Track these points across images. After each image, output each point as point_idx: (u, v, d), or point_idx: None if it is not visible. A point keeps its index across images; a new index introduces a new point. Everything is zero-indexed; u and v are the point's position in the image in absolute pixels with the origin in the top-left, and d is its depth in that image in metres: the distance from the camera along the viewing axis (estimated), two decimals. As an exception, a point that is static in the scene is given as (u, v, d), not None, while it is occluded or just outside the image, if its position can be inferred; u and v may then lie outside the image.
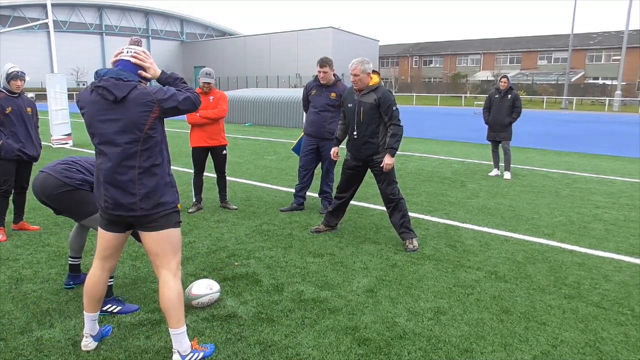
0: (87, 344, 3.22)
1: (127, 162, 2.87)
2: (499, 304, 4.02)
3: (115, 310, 3.73)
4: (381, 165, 5.35)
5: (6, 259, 4.88)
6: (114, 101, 2.80)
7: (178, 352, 3.01)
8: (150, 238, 3.00)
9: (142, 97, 2.81)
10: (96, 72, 2.90)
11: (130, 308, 3.80)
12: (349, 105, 5.55)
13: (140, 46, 3.05)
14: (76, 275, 4.20)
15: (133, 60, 2.93)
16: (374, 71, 5.42)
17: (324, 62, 6.55)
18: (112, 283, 3.82)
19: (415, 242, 5.42)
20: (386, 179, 5.48)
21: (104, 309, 3.68)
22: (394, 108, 5.30)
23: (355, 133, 5.48)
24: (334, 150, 5.92)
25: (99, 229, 3.11)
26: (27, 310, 3.80)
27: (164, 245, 3.00)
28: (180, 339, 3.02)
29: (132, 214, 2.93)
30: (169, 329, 3.03)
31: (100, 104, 2.84)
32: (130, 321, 3.63)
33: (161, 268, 3.03)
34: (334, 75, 6.68)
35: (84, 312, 3.19)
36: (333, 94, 6.59)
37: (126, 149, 2.85)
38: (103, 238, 3.10)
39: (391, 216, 5.60)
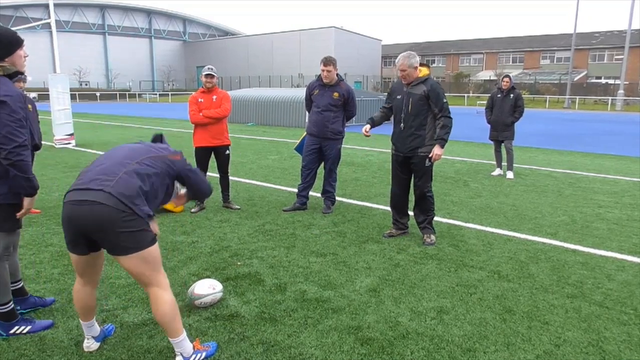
0: (89, 345, 3.21)
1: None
2: (501, 304, 4.02)
3: (25, 331, 3.42)
4: (430, 156, 5.37)
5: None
6: None
7: (181, 354, 3.00)
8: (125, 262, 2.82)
9: None
10: None
11: (42, 325, 3.52)
12: (398, 97, 5.54)
13: None
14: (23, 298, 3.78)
15: None
16: (422, 64, 5.45)
17: (328, 61, 6.54)
18: (11, 307, 3.42)
19: (433, 237, 5.57)
20: (424, 175, 5.55)
21: (11, 332, 3.39)
22: (444, 100, 5.33)
23: (402, 125, 5.49)
24: (365, 127, 5.76)
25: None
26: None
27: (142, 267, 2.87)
28: (181, 346, 2.99)
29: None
30: (169, 338, 3.00)
31: None
32: (133, 321, 3.63)
33: (147, 286, 2.91)
34: (337, 75, 6.68)
35: (81, 321, 3.20)
36: (336, 94, 6.59)
37: None
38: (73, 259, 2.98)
39: (418, 210, 5.71)
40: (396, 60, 5.42)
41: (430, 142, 5.42)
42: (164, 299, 2.90)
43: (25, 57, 3.26)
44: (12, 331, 3.40)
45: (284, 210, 6.92)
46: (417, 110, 5.38)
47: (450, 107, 5.42)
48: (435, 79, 5.46)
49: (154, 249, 2.86)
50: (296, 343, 3.36)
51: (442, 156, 5.87)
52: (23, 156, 3.01)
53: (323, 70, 6.56)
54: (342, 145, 6.99)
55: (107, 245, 2.79)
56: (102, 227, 2.69)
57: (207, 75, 6.62)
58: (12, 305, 3.44)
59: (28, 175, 3.08)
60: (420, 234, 5.72)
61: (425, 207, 5.68)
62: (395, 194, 5.86)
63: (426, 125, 5.41)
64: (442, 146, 5.35)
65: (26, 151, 3.04)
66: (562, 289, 4.33)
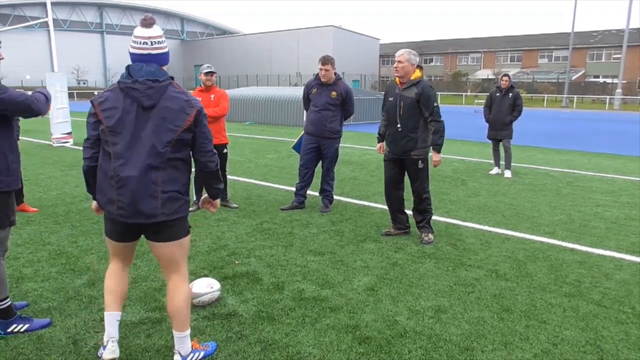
0: (114, 349, 2.95)
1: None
2: (499, 303, 4.02)
3: (22, 330, 3.40)
4: (423, 158, 5.46)
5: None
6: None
7: (179, 353, 3.00)
8: (165, 248, 2.90)
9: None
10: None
11: (40, 324, 3.49)
12: (390, 99, 5.55)
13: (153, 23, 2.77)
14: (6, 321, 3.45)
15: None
16: (418, 66, 5.43)
17: (326, 60, 6.54)
18: (9, 303, 3.41)
19: (430, 236, 5.58)
20: (419, 178, 5.58)
21: (9, 330, 3.37)
22: (435, 104, 5.32)
23: (395, 127, 5.48)
24: (379, 146, 5.90)
25: (105, 236, 2.97)
26: (27, 308, 3.79)
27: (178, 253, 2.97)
28: (183, 342, 3.00)
29: (153, 221, 2.79)
30: (174, 331, 3.00)
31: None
32: (131, 320, 3.62)
33: (172, 273, 2.97)
34: (335, 73, 6.67)
35: (107, 313, 2.97)
36: (334, 93, 6.59)
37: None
38: (115, 246, 3.00)
39: (416, 211, 5.73)
40: (397, 52, 5.40)
41: (423, 145, 5.43)
42: (185, 288, 3.01)
43: (1, 58, 3.38)
44: (9, 329, 3.39)
45: (282, 209, 6.92)
46: (408, 113, 5.37)
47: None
48: (428, 79, 5.45)
49: (189, 238, 3.03)
50: (294, 342, 3.36)
51: (442, 155, 5.90)
52: None
53: (321, 69, 6.56)
54: (340, 145, 6.99)
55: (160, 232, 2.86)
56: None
57: (207, 74, 6.61)
58: (10, 302, 3.43)
59: None
60: (418, 232, 5.72)
61: (423, 208, 5.69)
62: (389, 193, 5.85)
63: (418, 128, 5.40)
64: (439, 151, 5.44)
65: None
66: (560, 288, 4.33)
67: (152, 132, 2.71)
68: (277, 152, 13.07)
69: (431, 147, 5.48)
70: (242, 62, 74.10)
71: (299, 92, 22.38)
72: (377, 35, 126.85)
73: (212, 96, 6.70)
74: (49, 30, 15.23)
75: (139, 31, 2.78)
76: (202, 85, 6.71)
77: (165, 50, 2.85)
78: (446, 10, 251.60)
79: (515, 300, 4.08)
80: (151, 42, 2.77)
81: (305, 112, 7.15)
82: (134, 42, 2.78)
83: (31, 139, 13.51)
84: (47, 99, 3.43)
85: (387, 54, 77.66)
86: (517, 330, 3.57)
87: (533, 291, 4.26)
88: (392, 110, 5.52)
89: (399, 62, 5.30)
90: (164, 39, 2.84)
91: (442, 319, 3.73)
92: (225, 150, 6.92)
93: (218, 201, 3.26)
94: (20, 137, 5.44)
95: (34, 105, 3.29)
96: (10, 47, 61.97)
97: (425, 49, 76.54)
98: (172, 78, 2.85)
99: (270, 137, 16.84)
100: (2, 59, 3.36)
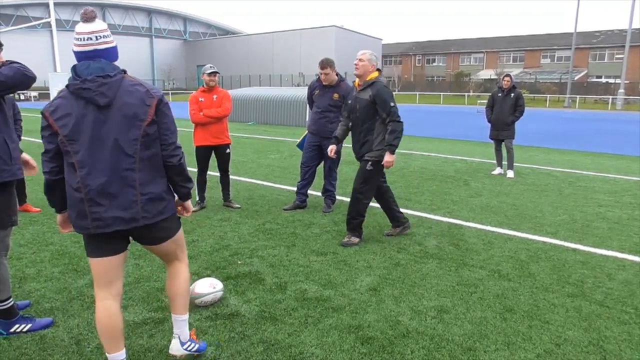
0: None
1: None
2: (502, 303, 4.02)
3: (25, 330, 3.41)
4: (375, 160, 5.27)
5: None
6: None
7: (179, 337, 3.01)
8: (158, 248, 2.87)
9: None
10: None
11: (42, 323, 3.50)
12: (349, 102, 5.51)
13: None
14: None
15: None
16: (377, 69, 5.35)
17: (325, 64, 6.54)
18: (11, 303, 3.42)
19: (353, 239, 5.46)
20: (361, 177, 5.40)
21: (11, 330, 3.39)
22: (391, 104, 5.16)
23: (355, 130, 5.43)
24: (331, 147, 5.79)
25: (90, 258, 2.72)
26: (30, 309, 3.80)
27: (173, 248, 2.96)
28: (182, 326, 3.03)
29: (134, 225, 2.65)
30: (174, 315, 3.02)
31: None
32: (133, 320, 3.63)
33: (174, 261, 2.99)
34: (337, 74, 6.67)
35: (108, 355, 2.78)
36: (336, 95, 6.59)
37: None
38: (101, 265, 2.72)
39: (349, 206, 5.56)
40: (359, 51, 5.31)
41: (378, 147, 5.28)
42: (185, 270, 3.02)
43: (1, 62, 3.28)
44: (12, 329, 3.40)
45: (284, 210, 6.93)
46: (364, 115, 5.28)
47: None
48: (384, 81, 5.34)
49: (181, 229, 2.99)
50: (296, 342, 3.36)
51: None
52: None
53: (321, 74, 6.58)
54: (343, 145, 6.98)
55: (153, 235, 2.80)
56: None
57: (210, 74, 6.62)
58: (12, 302, 3.44)
59: None
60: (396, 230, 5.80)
61: (355, 209, 5.47)
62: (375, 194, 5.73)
63: (374, 130, 5.28)
64: (392, 152, 5.19)
65: None
66: (563, 288, 4.32)
67: (115, 132, 2.55)
68: (279, 152, 13.07)
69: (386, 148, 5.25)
70: (245, 62, 74.13)
71: (301, 92, 22.41)
72: (379, 35, 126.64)
73: (215, 96, 6.70)
74: (51, 31, 15.25)
75: (81, 27, 2.57)
76: (205, 86, 6.71)
77: (113, 44, 2.65)
78: (448, 11, 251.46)
79: (517, 300, 4.07)
80: (95, 36, 2.57)
81: (309, 111, 7.16)
82: (77, 39, 2.58)
83: (33, 139, 13.53)
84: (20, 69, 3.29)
85: (389, 54, 77.73)
86: (520, 331, 3.56)
87: (536, 291, 4.26)
88: (350, 113, 5.49)
89: (360, 60, 5.22)
90: (109, 32, 2.64)
91: (445, 319, 3.73)
92: (228, 150, 6.93)
93: (190, 203, 2.99)
94: (22, 138, 5.45)
95: (27, 72, 3.24)
96: (12, 47, 62.14)
97: (427, 49, 76.57)
98: (125, 71, 2.66)
99: (273, 137, 16.84)
100: (2, 61, 3.31)
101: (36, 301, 3.92)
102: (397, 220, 5.84)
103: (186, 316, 3.04)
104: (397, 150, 5.37)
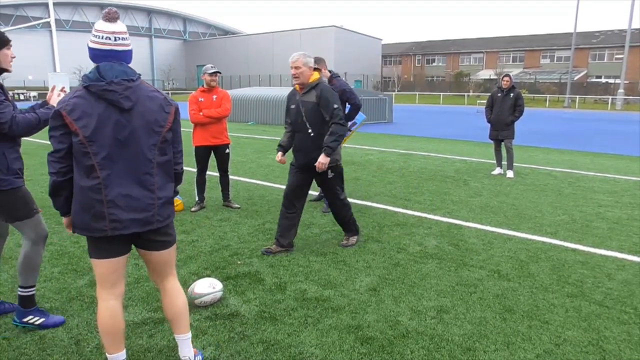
0: None
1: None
2: (501, 303, 4.02)
3: (37, 322, 3.45)
4: (315, 164, 4.93)
5: (9, 257, 4.89)
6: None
7: (189, 358, 2.95)
8: (162, 255, 2.83)
9: None
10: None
11: (54, 320, 3.53)
12: (292, 106, 5.10)
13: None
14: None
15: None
16: (315, 68, 5.04)
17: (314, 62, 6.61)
18: (33, 292, 3.49)
19: (352, 240, 5.40)
20: (331, 186, 5.20)
21: (24, 320, 3.43)
22: (335, 106, 4.85)
23: (301, 135, 5.04)
24: (277, 155, 5.31)
25: (96, 260, 2.70)
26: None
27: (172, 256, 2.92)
28: (188, 344, 2.96)
29: (149, 228, 2.67)
30: (178, 335, 2.94)
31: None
32: (133, 320, 3.63)
33: (169, 276, 2.90)
34: (330, 71, 6.70)
35: (109, 356, 2.78)
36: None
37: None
38: (106, 266, 2.70)
39: (336, 217, 5.45)
40: (290, 58, 4.88)
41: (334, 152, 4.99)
42: (181, 289, 2.97)
43: (12, 57, 3.34)
44: (25, 319, 3.44)
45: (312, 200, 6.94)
46: (313, 119, 4.93)
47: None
48: (326, 81, 5.02)
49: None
50: (296, 342, 3.36)
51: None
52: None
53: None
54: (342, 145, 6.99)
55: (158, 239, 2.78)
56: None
57: (212, 74, 6.62)
58: (34, 292, 3.49)
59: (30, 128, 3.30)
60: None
61: (343, 213, 5.38)
62: (288, 202, 5.25)
63: (324, 134, 4.94)
64: (328, 154, 4.85)
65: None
66: (562, 288, 4.33)
67: (136, 136, 2.57)
68: (279, 152, 13.05)
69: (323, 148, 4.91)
70: (244, 62, 74.18)
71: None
72: (379, 35, 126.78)
73: (215, 97, 6.70)
74: (51, 31, 15.25)
75: (102, 25, 2.58)
76: (206, 86, 6.71)
77: (129, 48, 2.66)
78: (448, 11, 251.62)
79: (517, 300, 4.08)
80: (115, 37, 2.57)
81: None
82: (95, 36, 2.57)
83: (32, 140, 13.53)
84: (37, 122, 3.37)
85: (389, 54, 77.75)
86: (520, 331, 3.56)
87: (535, 291, 4.26)
88: (295, 118, 5.07)
89: (297, 68, 4.83)
90: (128, 36, 2.65)
91: (445, 319, 3.73)
92: (227, 151, 6.93)
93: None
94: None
95: (39, 125, 3.37)
96: (12, 47, 62.17)
97: (427, 49, 76.58)
98: (140, 76, 2.69)
99: (272, 137, 16.83)
100: (14, 57, 3.38)
101: (35, 301, 3.91)
102: (288, 238, 5.24)
103: (190, 334, 2.97)
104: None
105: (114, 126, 2.52)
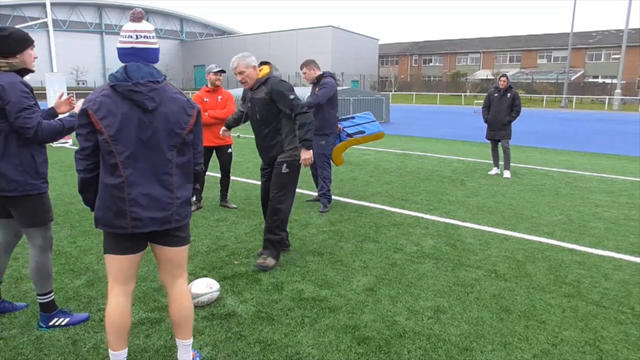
0: None
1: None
2: (498, 303, 4.02)
3: (63, 323, 3.50)
4: (298, 163, 4.75)
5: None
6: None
7: None
8: (177, 252, 2.84)
9: None
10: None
11: (79, 317, 3.58)
12: (248, 104, 4.87)
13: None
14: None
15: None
16: (263, 62, 4.82)
17: (302, 65, 6.87)
18: (52, 297, 3.49)
19: (269, 261, 4.69)
20: (279, 185, 4.74)
21: (50, 324, 3.46)
22: (291, 97, 4.57)
23: (258, 134, 4.86)
24: (222, 131, 5.47)
25: (113, 255, 2.73)
26: (26, 309, 3.79)
27: (185, 256, 2.92)
28: (189, 350, 2.94)
29: (167, 227, 2.71)
30: (182, 340, 2.91)
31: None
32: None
33: (180, 277, 2.89)
34: (324, 72, 6.86)
35: (111, 352, 2.78)
36: (317, 90, 6.76)
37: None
38: (122, 262, 2.74)
39: (266, 221, 4.86)
40: (230, 64, 4.66)
41: (290, 147, 4.73)
42: (189, 293, 2.98)
43: (34, 57, 3.35)
44: (51, 323, 3.47)
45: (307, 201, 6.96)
46: (265, 115, 4.67)
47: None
48: (277, 74, 4.77)
49: None
50: (293, 342, 3.36)
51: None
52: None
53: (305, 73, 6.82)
54: (335, 143, 7.05)
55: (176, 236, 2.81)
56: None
57: (217, 72, 6.63)
58: (53, 296, 3.50)
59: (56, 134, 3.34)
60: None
61: (274, 221, 4.78)
62: (264, 210, 5.11)
63: (281, 129, 4.71)
64: (309, 147, 4.64)
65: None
66: (559, 288, 4.33)
67: (158, 136, 2.61)
68: (276, 153, 13.04)
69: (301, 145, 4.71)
70: (242, 63, 74.11)
71: (298, 91, 22.39)
72: (376, 35, 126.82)
73: (219, 97, 6.71)
74: (48, 31, 15.22)
75: (127, 25, 2.67)
76: (211, 85, 6.70)
77: (153, 46, 2.70)
78: (445, 11, 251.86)
79: (514, 300, 4.08)
80: (137, 35, 2.63)
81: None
82: (121, 36, 2.67)
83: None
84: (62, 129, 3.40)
85: (386, 54, 77.80)
86: (517, 331, 3.57)
87: (532, 291, 4.26)
88: (250, 116, 4.88)
89: (240, 73, 4.60)
90: (153, 35, 2.70)
91: (442, 319, 3.73)
92: (230, 150, 6.92)
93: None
94: None
95: (62, 133, 3.40)
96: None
97: (424, 49, 76.66)
98: (166, 77, 2.76)
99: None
100: (36, 57, 3.39)
101: (33, 301, 3.89)
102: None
103: (192, 340, 2.96)
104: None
105: (137, 126, 2.58)
